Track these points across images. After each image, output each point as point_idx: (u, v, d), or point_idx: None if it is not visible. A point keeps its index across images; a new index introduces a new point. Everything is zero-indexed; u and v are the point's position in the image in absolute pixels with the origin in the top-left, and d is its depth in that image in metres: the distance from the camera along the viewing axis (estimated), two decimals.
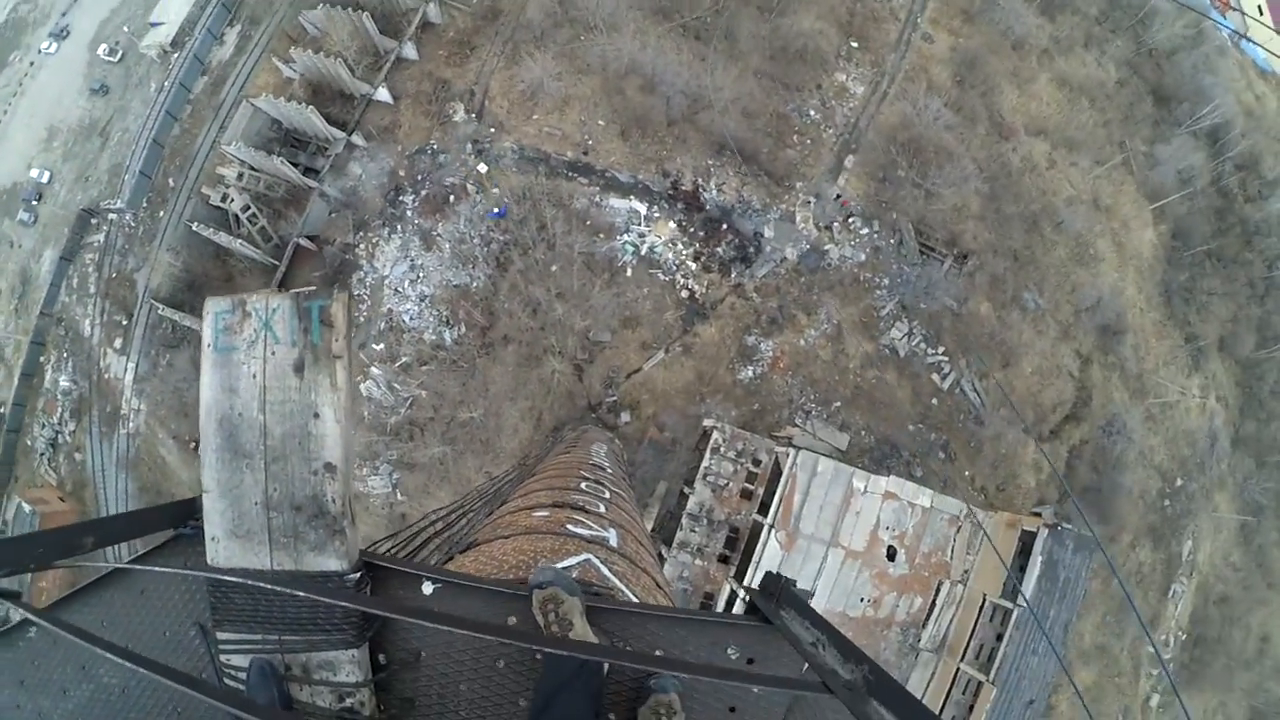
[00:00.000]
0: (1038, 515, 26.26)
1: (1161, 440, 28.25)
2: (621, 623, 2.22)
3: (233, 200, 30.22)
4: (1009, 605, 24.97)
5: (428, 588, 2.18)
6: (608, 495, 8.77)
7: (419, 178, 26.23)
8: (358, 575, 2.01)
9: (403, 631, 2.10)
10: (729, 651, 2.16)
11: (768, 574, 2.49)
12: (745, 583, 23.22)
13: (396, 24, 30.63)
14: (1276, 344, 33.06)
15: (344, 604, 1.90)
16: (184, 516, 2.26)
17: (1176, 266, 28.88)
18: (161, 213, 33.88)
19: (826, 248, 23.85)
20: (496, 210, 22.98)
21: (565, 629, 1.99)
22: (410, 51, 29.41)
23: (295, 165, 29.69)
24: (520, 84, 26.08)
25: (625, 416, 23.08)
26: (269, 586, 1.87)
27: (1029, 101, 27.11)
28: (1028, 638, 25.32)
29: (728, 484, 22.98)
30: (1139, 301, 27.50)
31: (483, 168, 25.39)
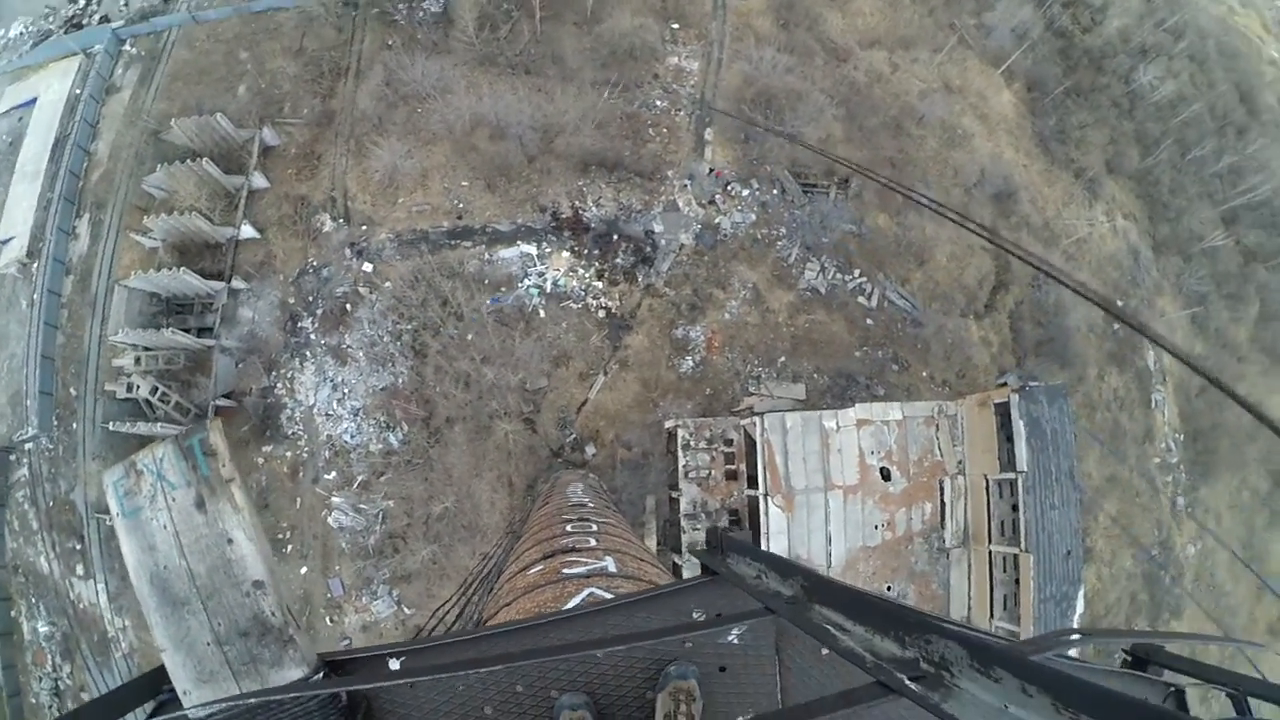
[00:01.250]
0: (1004, 385, 27.07)
1: (1088, 273, 29.42)
2: (585, 627, 2.27)
3: (138, 387, 29.29)
4: (1011, 476, 25.61)
5: (394, 663, 2.24)
6: (595, 528, 8.73)
7: (310, 299, 25.78)
8: (321, 674, 2.10)
9: (387, 714, 2.17)
10: (694, 615, 2.21)
11: (708, 530, 2.65)
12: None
13: (238, 159, 30.13)
14: (1158, 147, 34.77)
15: (309, 693, 1.95)
16: (157, 684, 2.29)
17: (1042, 115, 30.13)
18: (75, 424, 32.71)
19: (717, 221, 24.22)
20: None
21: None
22: (260, 181, 28.95)
23: (187, 330, 28.90)
24: (375, 174, 25.88)
25: (590, 449, 22.99)
26: (234, 704, 1.94)
27: (853, 19, 28.01)
28: (1041, 498, 25.99)
29: (710, 473, 23.09)
30: (1019, 160, 28.60)
31: (367, 267, 25.09)
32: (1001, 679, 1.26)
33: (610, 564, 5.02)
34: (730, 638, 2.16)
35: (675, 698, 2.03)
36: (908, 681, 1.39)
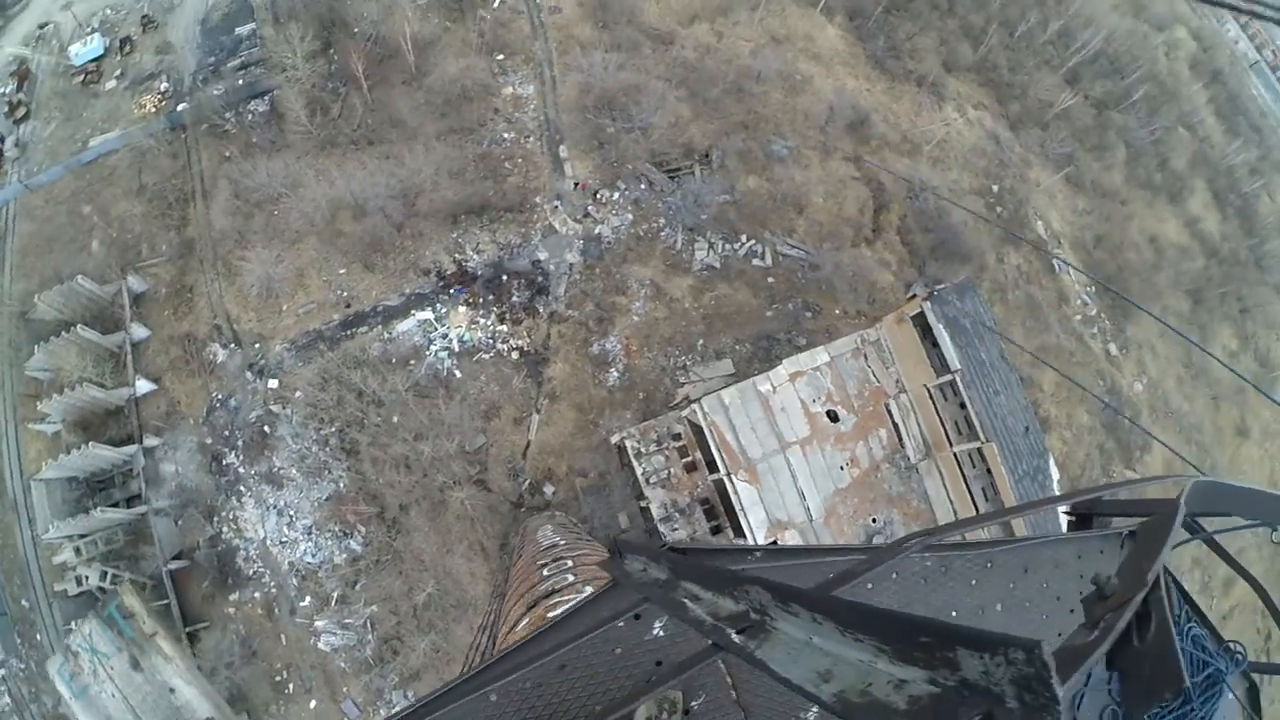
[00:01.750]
0: (914, 297, 28.17)
1: (957, 169, 30.88)
2: (520, 659, 2.31)
3: (87, 578, 27.84)
4: (949, 378, 26.58)
5: None
6: (570, 563, 8.81)
7: (226, 433, 24.93)
8: None
9: None
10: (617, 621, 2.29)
11: (607, 539, 2.63)
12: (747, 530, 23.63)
13: (112, 316, 28.98)
14: (986, 35, 36.68)
15: None
16: None
17: (870, 39, 31.46)
18: (38, 636, 30.77)
19: (596, 231, 24.49)
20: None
21: None
22: (140, 331, 27.89)
23: (115, 505, 27.61)
24: (252, 289, 25.20)
25: (549, 489, 22.94)
26: None
27: (668, 1, 28.68)
28: (983, 389, 27.02)
29: (669, 472, 23.31)
30: (861, 86, 29.81)
31: (272, 383, 24.42)
32: (798, 613, 1.34)
33: (589, 592, 5.12)
34: (655, 631, 2.20)
35: (660, 705, 2.08)
36: (734, 635, 1.45)
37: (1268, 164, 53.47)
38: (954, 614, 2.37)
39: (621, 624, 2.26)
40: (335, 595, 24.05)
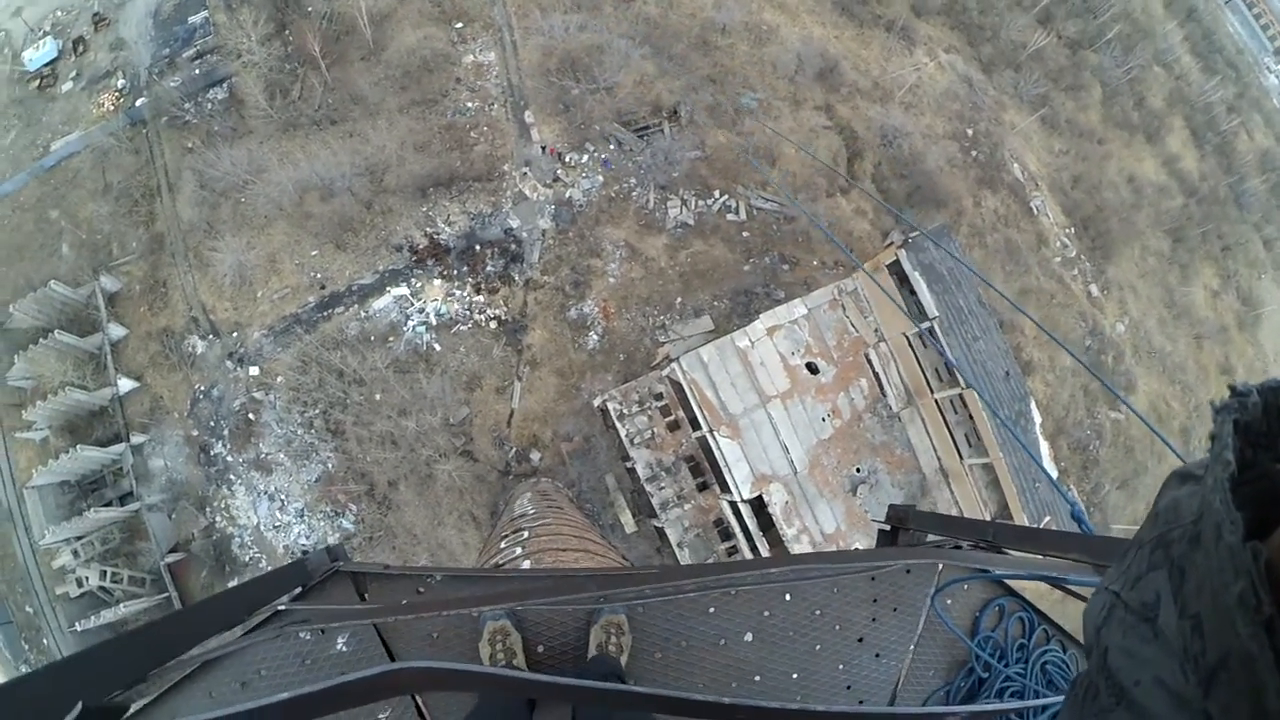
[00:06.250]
0: (890, 245, 28.08)
1: (931, 113, 30.58)
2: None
3: (87, 579, 28.21)
4: (929, 324, 26.59)
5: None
6: (526, 535, 8.93)
7: (211, 424, 24.98)
8: None
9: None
10: None
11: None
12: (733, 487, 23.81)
13: (88, 318, 28.86)
14: None
15: None
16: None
17: None
18: (45, 640, 31.19)
19: (567, 195, 24.27)
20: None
21: (510, 657, 2.07)
22: (117, 330, 27.76)
23: (109, 504, 27.81)
24: (225, 278, 25.04)
25: (535, 455, 23.09)
26: None
27: None
28: (962, 335, 27.06)
29: (653, 432, 23.45)
30: (829, 34, 29.36)
31: (253, 371, 24.39)
32: None
33: (526, 567, 5.22)
34: (339, 647, 2.24)
35: (606, 630, 2.11)
36: None
37: (1245, 101, 53.04)
38: (684, 644, 2.26)
39: (307, 635, 2.22)
40: None
